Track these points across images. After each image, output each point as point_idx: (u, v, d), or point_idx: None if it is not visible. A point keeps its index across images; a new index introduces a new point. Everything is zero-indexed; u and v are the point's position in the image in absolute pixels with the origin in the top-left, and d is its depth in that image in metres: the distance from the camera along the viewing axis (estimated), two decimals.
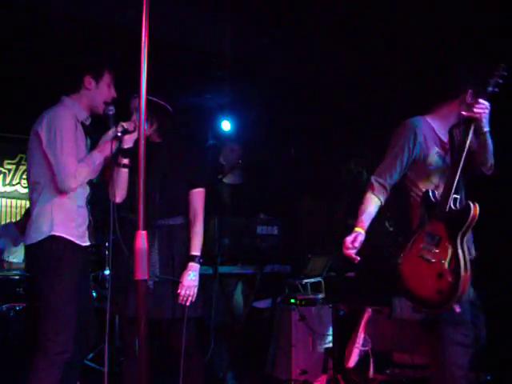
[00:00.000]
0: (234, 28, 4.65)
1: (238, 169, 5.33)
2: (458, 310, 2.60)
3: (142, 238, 1.99)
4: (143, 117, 2.01)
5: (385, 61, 4.99)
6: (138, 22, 1.99)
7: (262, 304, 4.91)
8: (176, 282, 2.97)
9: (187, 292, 2.96)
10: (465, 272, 2.55)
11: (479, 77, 2.78)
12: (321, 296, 4.78)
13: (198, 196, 3.10)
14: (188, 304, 2.96)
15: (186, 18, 4.77)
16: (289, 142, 6.63)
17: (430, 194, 2.73)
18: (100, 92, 3.13)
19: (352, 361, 3.30)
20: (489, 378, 3.83)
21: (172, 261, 3.01)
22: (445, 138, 2.89)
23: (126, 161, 2.98)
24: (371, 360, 3.58)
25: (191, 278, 2.97)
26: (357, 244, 2.69)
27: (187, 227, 3.09)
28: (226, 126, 6.71)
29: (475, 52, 3.94)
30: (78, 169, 2.94)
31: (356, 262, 2.70)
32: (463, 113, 2.72)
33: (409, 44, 4.66)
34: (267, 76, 5.65)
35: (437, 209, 2.68)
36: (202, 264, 3.08)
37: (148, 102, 3.01)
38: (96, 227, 3.36)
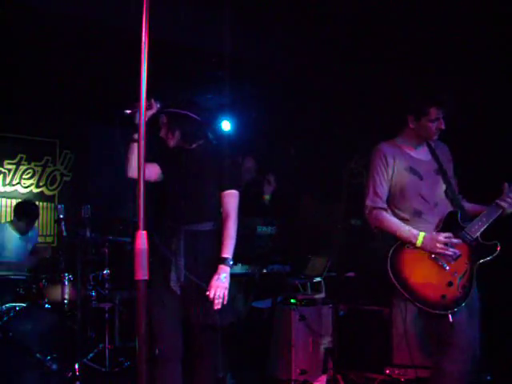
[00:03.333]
0: (233, 28, 4.65)
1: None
2: (451, 319, 2.77)
3: (141, 239, 1.98)
4: (143, 117, 2.00)
5: (384, 61, 4.99)
6: (138, 22, 1.99)
7: (262, 304, 4.90)
8: (201, 288, 2.94)
9: (216, 293, 2.91)
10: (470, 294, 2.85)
11: (412, 102, 3.05)
12: (321, 296, 4.77)
13: (228, 198, 3.07)
14: (219, 307, 2.91)
15: (186, 18, 4.77)
16: (289, 141, 6.63)
17: (459, 216, 2.97)
18: None
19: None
20: (489, 378, 3.84)
21: (196, 267, 2.98)
22: (415, 154, 3.10)
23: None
24: None
25: (221, 279, 2.93)
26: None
27: (219, 232, 3.07)
28: (225, 126, 6.71)
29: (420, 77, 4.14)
30: None
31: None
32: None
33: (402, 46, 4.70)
34: (267, 76, 5.65)
35: (465, 232, 2.94)
36: (232, 267, 3.03)
37: (169, 114, 3.09)
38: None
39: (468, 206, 3.14)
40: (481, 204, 3.12)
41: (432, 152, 3.13)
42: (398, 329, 4.19)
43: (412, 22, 4.54)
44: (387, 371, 4.19)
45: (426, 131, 3.03)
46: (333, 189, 6.29)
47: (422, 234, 2.90)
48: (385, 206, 3.04)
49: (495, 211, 2.97)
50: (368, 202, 3.07)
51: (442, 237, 2.88)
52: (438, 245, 2.87)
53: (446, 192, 3.05)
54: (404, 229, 2.94)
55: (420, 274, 2.88)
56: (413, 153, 3.10)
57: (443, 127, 3.00)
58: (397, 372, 4.15)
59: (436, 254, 2.88)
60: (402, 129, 3.13)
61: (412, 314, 3.82)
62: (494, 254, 2.93)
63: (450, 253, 2.87)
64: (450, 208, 3.02)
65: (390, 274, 2.88)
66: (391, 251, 2.93)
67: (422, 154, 3.12)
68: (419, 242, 2.89)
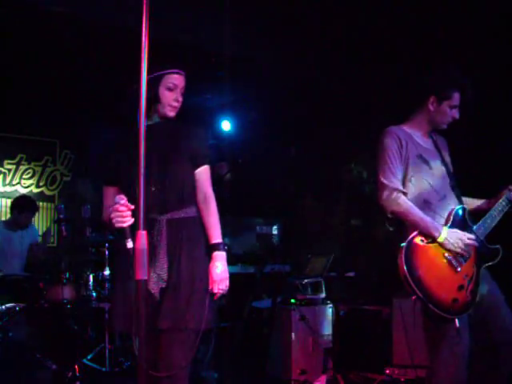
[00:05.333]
0: (234, 28, 4.65)
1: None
2: (457, 325, 2.69)
3: (141, 238, 1.97)
4: (143, 115, 2.00)
5: (383, 61, 4.99)
6: (138, 22, 1.99)
7: (262, 304, 4.91)
8: (182, 288, 2.46)
9: (220, 287, 2.52)
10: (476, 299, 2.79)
11: (439, 83, 2.92)
12: (321, 296, 4.78)
13: (204, 175, 2.62)
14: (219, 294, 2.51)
15: (186, 18, 4.77)
16: (289, 141, 6.63)
17: (467, 214, 2.89)
18: None
19: None
20: None
21: (179, 262, 2.49)
22: (423, 143, 2.99)
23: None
24: None
25: (220, 269, 2.54)
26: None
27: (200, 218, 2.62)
28: (225, 126, 6.72)
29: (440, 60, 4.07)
30: None
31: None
32: None
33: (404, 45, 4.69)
34: (267, 76, 5.65)
35: (474, 232, 2.87)
36: (227, 251, 2.66)
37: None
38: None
39: (466, 200, 3.03)
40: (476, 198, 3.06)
41: (435, 144, 3.03)
42: (397, 329, 4.19)
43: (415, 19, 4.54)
44: (387, 371, 4.19)
45: (441, 117, 2.92)
46: (333, 189, 6.30)
47: (445, 229, 2.76)
48: (403, 189, 2.84)
49: (500, 211, 2.90)
50: (385, 181, 2.82)
51: (467, 237, 2.78)
52: (462, 244, 2.76)
53: (449, 185, 2.95)
54: (427, 219, 2.77)
55: (434, 274, 2.72)
56: (421, 141, 2.98)
57: (457, 117, 2.91)
58: (397, 372, 4.15)
59: (453, 252, 2.76)
60: (412, 114, 3.01)
61: (412, 314, 3.82)
62: (497, 259, 2.87)
63: (467, 254, 2.79)
64: (456, 202, 2.91)
65: (405, 271, 2.66)
66: (405, 245, 2.72)
67: (428, 143, 3.01)
68: (442, 237, 2.74)
